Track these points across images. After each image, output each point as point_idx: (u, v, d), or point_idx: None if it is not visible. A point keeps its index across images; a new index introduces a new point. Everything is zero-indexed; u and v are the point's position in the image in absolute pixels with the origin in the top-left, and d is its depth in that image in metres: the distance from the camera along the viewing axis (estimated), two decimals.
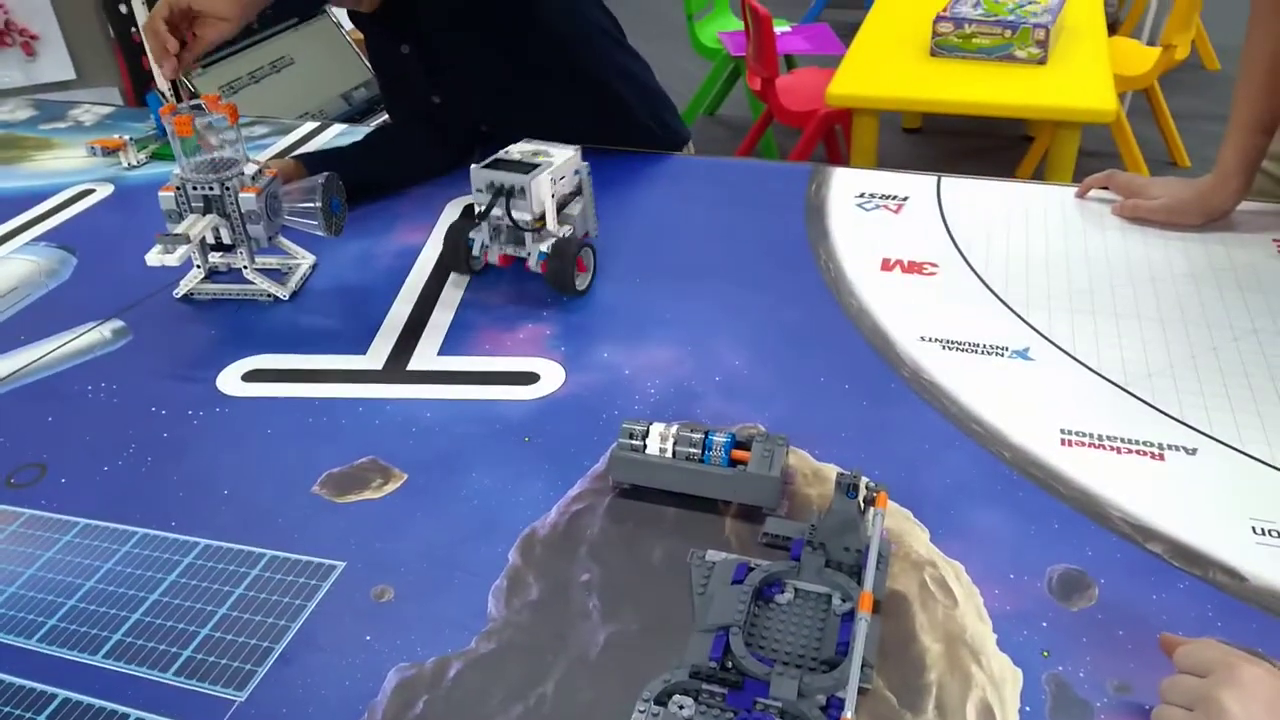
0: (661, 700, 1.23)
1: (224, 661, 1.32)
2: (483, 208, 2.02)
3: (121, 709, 1.27)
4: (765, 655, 1.28)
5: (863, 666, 1.21)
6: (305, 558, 1.49)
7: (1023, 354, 1.85)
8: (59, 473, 1.69)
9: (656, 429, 1.58)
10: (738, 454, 1.56)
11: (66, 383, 1.92)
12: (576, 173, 2.13)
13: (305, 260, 2.26)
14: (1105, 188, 2.35)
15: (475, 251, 2.09)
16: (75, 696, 1.29)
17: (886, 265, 2.15)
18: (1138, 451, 1.60)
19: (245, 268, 2.15)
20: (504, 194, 1.99)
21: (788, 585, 1.38)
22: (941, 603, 1.36)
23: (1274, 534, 1.43)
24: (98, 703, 1.28)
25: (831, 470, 1.60)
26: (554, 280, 2.06)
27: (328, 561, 1.48)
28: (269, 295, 2.15)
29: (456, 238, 2.10)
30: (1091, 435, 1.63)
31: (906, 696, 1.23)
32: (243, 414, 1.81)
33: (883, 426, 1.70)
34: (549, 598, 1.41)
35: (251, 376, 1.91)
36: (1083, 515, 1.49)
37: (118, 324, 2.11)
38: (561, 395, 1.83)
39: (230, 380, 1.90)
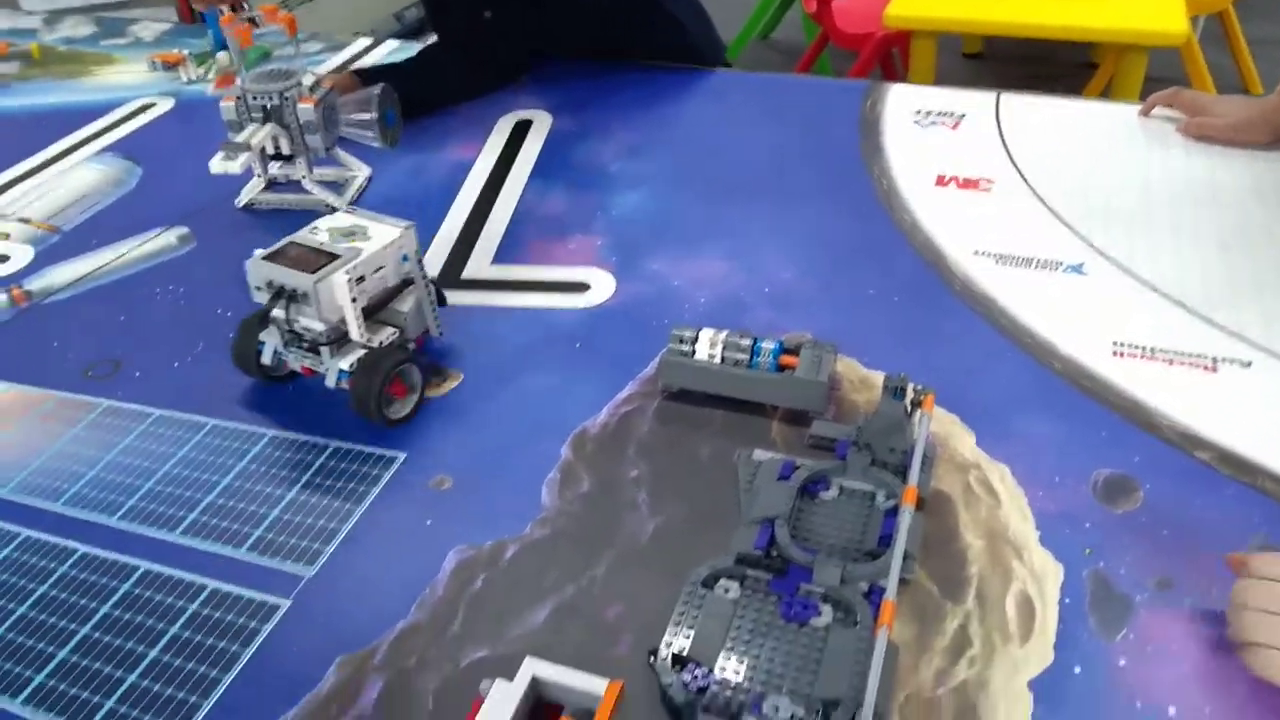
0: (708, 584, 1.28)
1: (293, 541, 1.39)
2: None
3: (200, 580, 1.35)
4: (809, 546, 1.32)
5: (905, 558, 1.25)
6: (367, 449, 1.55)
7: (1077, 269, 1.83)
8: (133, 367, 1.76)
9: (706, 334, 1.61)
10: (786, 360, 1.58)
11: (137, 285, 2.00)
12: (405, 258, 1.60)
13: (361, 172, 2.30)
14: (1170, 105, 2.30)
15: (267, 359, 1.61)
16: (156, 568, 1.37)
17: (941, 181, 2.14)
18: (1190, 364, 1.59)
19: (304, 178, 2.20)
20: (285, 297, 1.50)
21: (833, 482, 1.41)
22: (985, 502, 1.38)
23: None
24: (177, 573, 1.36)
25: (879, 377, 1.61)
26: (356, 406, 1.54)
27: (389, 453, 1.54)
28: (326, 205, 2.19)
29: (246, 337, 1.62)
30: (1144, 348, 1.63)
31: (947, 587, 1.27)
32: None
33: (932, 337, 1.71)
34: (600, 491, 1.46)
35: None
36: (1131, 423, 1.49)
37: (183, 230, 2.17)
38: (612, 304, 1.86)
39: None
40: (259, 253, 1.53)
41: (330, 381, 1.56)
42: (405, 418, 1.59)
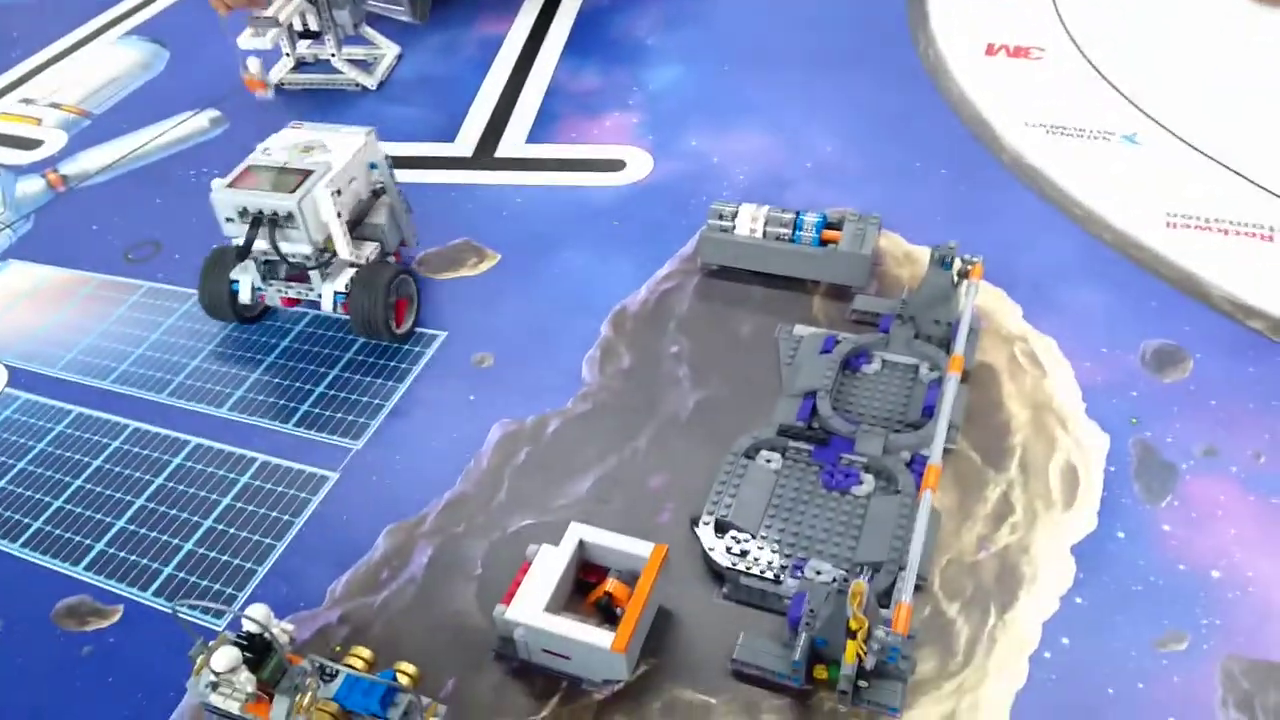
0: (750, 454, 1.28)
1: (339, 416, 1.41)
2: (239, 241, 1.42)
3: (249, 453, 1.37)
4: (852, 418, 1.32)
5: (948, 427, 1.24)
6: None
7: (1131, 138, 1.76)
8: (172, 249, 1.77)
9: (747, 210, 1.58)
10: (828, 234, 1.55)
11: (171, 168, 1.98)
12: (373, 165, 1.50)
13: (390, 50, 2.24)
14: None
15: (245, 298, 1.50)
16: (205, 442, 1.40)
17: (991, 50, 2.05)
18: (1246, 233, 1.54)
19: (333, 56, 2.15)
20: (265, 224, 1.39)
21: (875, 356, 1.40)
22: (1030, 373, 1.37)
23: None
24: (227, 448, 1.39)
25: (923, 252, 1.58)
26: (363, 326, 1.47)
27: (430, 331, 1.54)
28: (357, 84, 2.15)
29: (214, 278, 1.51)
30: (1198, 217, 1.57)
31: (991, 456, 1.26)
32: None
33: (979, 210, 1.67)
34: (640, 366, 1.46)
35: None
36: (1183, 294, 1.46)
37: (214, 113, 2.14)
38: (649, 182, 1.83)
39: None
40: (218, 182, 1.42)
41: (327, 306, 1.48)
42: (410, 331, 1.54)
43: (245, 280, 1.51)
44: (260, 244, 1.40)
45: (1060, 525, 1.18)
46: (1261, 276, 1.46)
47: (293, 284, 1.49)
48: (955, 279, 1.38)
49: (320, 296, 1.48)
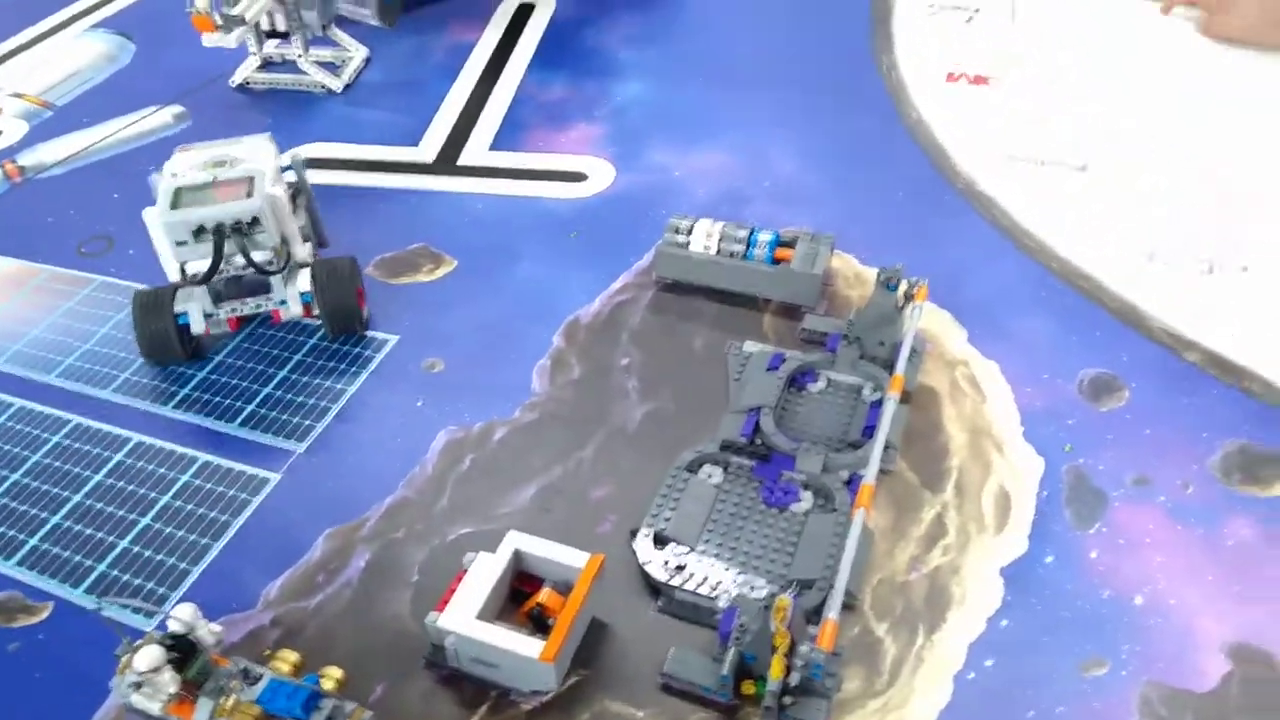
0: (692, 468, 1.29)
1: (284, 417, 1.41)
2: (195, 268, 1.40)
3: (191, 452, 1.37)
4: (794, 436, 1.33)
5: (886, 448, 1.26)
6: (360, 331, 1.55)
7: (1081, 169, 1.80)
8: (126, 244, 1.75)
9: (702, 225, 1.59)
10: (781, 252, 1.56)
11: (131, 162, 1.97)
12: (286, 168, 1.52)
13: (358, 53, 2.24)
14: (1191, 4, 2.22)
15: (199, 327, 1.45)
16: (148, 440, 1.39)
17: (952, 77, 2.08)
18: (1187, 267, 1.57)
19: (299, 57, 2.15)
20: (228, 234, 1.37)
21: (821, 375, 1.42)
22: (971, 397, 1.39)
23: None
24: (169, 445, 1.38)
25: (874, 273, 1.60)
26: (338, 320, 1.49)
27: (381, 335, 1.54)
28: (322, 86, 2.15)
29: (157, 322, 1.44)
30: (1143, 249, 1.61)
31: (928, 478, 1.28)
32: None
33: (932, 235, 1.69)
34: (590, 377, 1.47)
35: (307, 164, 1.94)
36: (1123, 324, 1.48)
37: (177, 109, 2.13)
38: (610, 194, 1.84)
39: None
40: (153, 211, 1.39)
41: (295, 309, 1.47)
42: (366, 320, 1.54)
43: (194, 309, 1.45)
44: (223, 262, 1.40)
45: (991, 548, 1.20)
46: (1199, 309, 1.49)
47: (246, 300, 1.47)
48: (901, 301, 1.40)
49: (284, 303, 1.47)
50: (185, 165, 1.43)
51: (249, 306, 1.47)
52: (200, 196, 1.38)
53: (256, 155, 1.45)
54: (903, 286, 1.39)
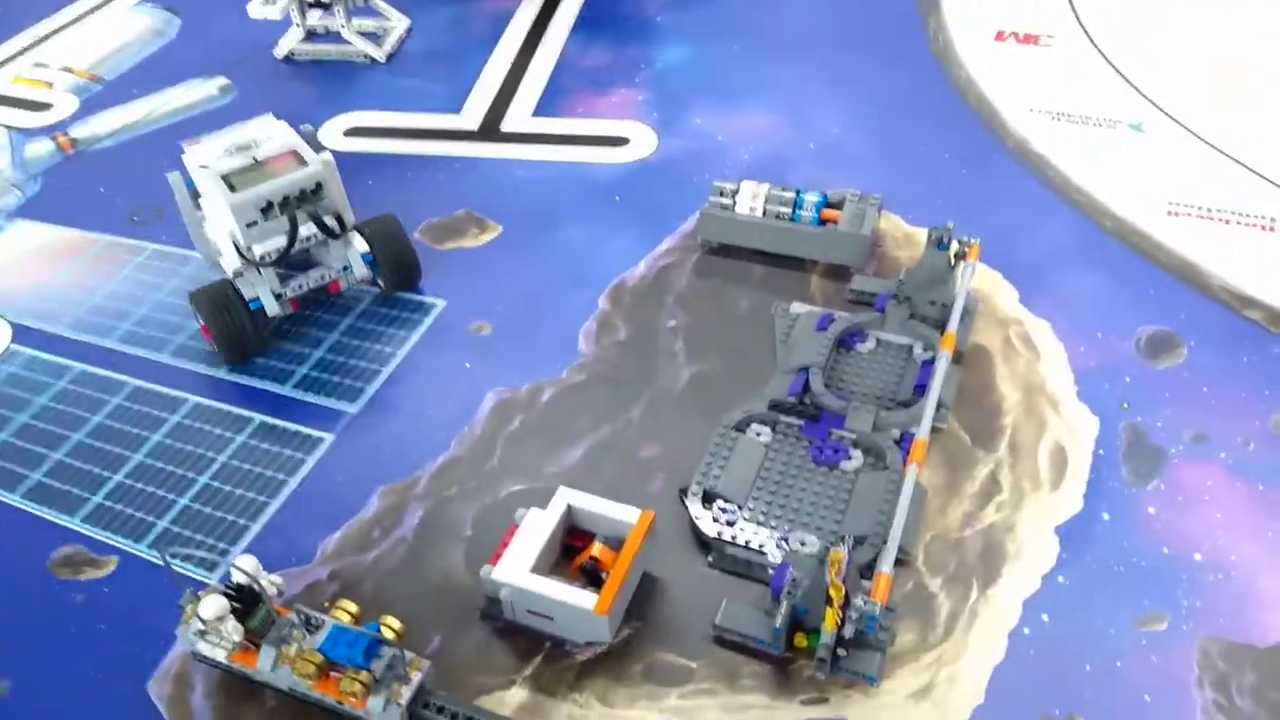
0: (740, 427, 1.29)
1: (336, 379, 1.43)
2: (266, 248, 1.38)
3: (246, 413, 1.39)
4: (844, 395, 1.33)
5: (938, 407, 1.25)
6: (408, 295, 1.56)
7: (1136, 127, 1.76)
8: (176, 214, 1.75)
9: (748, 187, 1.58)
10: (828, 214, 1.55)
11: (178, 134, 1.98)
12: (299, 132, 1.49)
13: (400, 23, 2.25)
14: None
15: (274, 309, 1.44)
16: (205, 402, 1.41)
17: (1000, 36, 2.04)
18: (1247, 223, 1.54)
19: (342, 28, 2.15)
20: (298, 204, 1.38)
21: (870, 335, 1.41)
22: (1024, 356, 1.37)
23: None
24: (224, 407, 1.40)
25: (922, 235, 1.57)
26: (401, 274, 1.53)
27: (429, 299, 1.55)
28: (365, 56, 2.16)
29: (230, 319, 1.41)
30: (1200, 206, 1.57)
31: (981, 437, 1.27)
32: (344, 166, 1.82)
33: (981, 195, 1.67)
34: (636, 340, 1.47)
35: (352, 132, 1.95)
36: (1181, 282, 1.46)
37: (223, 81, 2.15)
38: (652, 159, 1.83)
39: (331, 135, 1.94)
40: (212, 201, 1.39)
41: (360, 270, 1.48)
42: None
43: (264, 292, 1.44)
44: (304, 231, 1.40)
45: (1046, 506, 1.18)
46: (1261, 267, 1.46)
47: (309, 274, 1.47)
48: (951, 260, 1.38)
49: (347, 268, 1.48)
50: (208, 156, 1.42)
51: (313, 280, 1.48)
52: (253, 176, 1.38)
53: (275, 132, 1.45)
54: (953, 246, 1.37)
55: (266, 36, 2.22)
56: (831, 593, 0.97)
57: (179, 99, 2.10)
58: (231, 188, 1.36)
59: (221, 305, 1.41)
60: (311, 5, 2.15)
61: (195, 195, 1.49)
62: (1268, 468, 1.21)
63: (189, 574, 1.19)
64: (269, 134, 1.45)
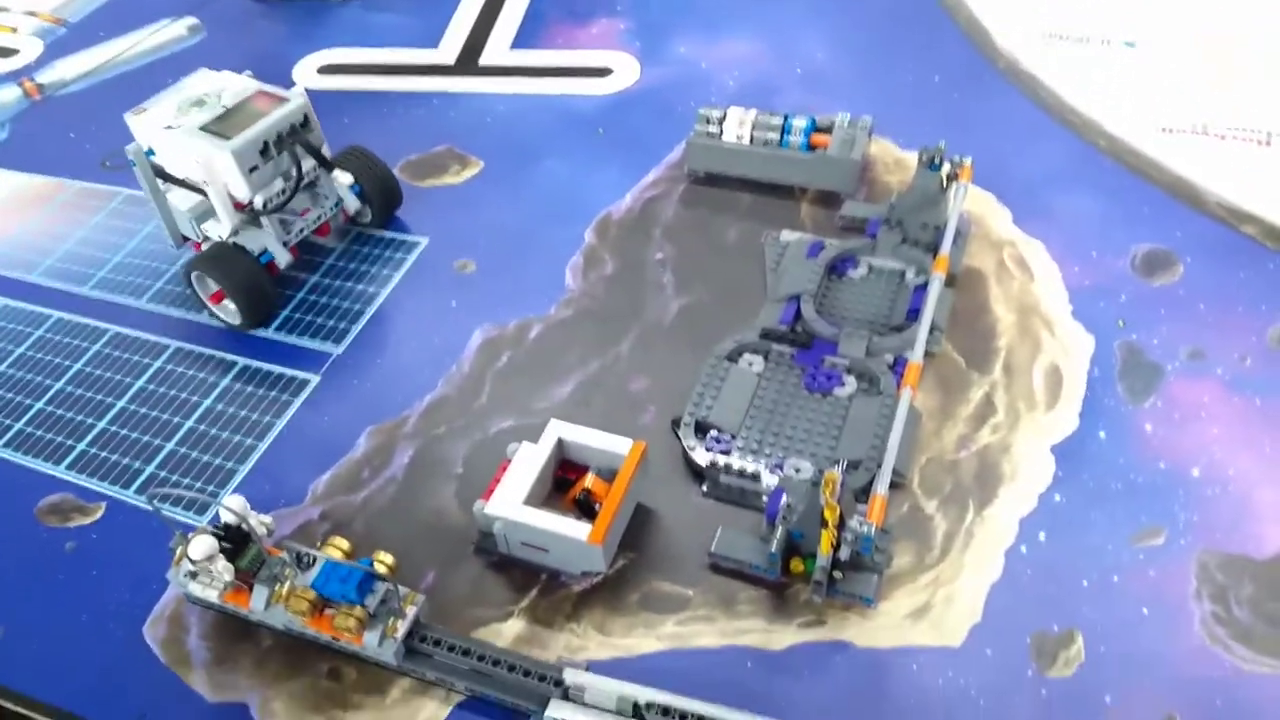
0: (732, 357, 1.27)
1: (319, 320, 1.40)
2: (267, 194, 1.31)
3: (230, 357, 1.36)
4: (836, 322, 1.31)
5: (931, 330, 1.23)
6: (390, 234, 1.53)
7: (1129, 43, 1.72)
8: None
9: (734, 114, 1.54)
10: (817, 139, 1.52)
11: (149, 76, 1.94)
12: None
13: None
14: None
15: (284, 259, 1.39)
16: (186, 345, 1.38)
17: None
18: (1243, 138, 1.51)
19: None
20: (291, 141, 1.33)
21: (862, 261, 1.38)
22: (1018, 278, 1.35)
23: None
24: (207, 351, 1.37)
25: (914, 158, 1.54)
26: (388, 199, 1.51)
27: (411, 238, 1.52)
28: None
29: (254, 277, 1.35)
30: (1195, 123, 1.54)
31: (975, 359, 1.25)
32: (320, 104, 1.77)
33: (973, 117, 1.63)
34: (624, 273, 1.44)
35: (327, 70, 1.90)
36: (1176, 199, 1.43)
37: (192, 21, 2.09)
38: (636, 89, 1.79)
39: (306, 73, 1.89)
40: (222, 142, 1.27)
41: (351, 205, 1.45)
42: None
43: (272, 243, 1.38)
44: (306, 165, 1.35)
45: (1042, 425, 1.17)
46: (1256, 182, 1.44)
47: (307, 215, 1.42)
48: (944, 182, 1.35)
49: (339, 201, 1.45)
50: (162, 119, 1.34)
51: (310, 222, 1.43)
52: (237, 122, 1.31)
53: (225, 82, 1.38)
54: (945, 167, 1.34)
55: None
56: (826, 514, 0.96)
57: (147, 41, 2.04)
58: (224, 137, 1.29)
59: (234, 266, 1.34)
60: None
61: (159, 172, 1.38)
62: (1264, 382, 1.20)
63: (179, 517, 1.17)
64: (219, 86, 1.37)
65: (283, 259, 1.39)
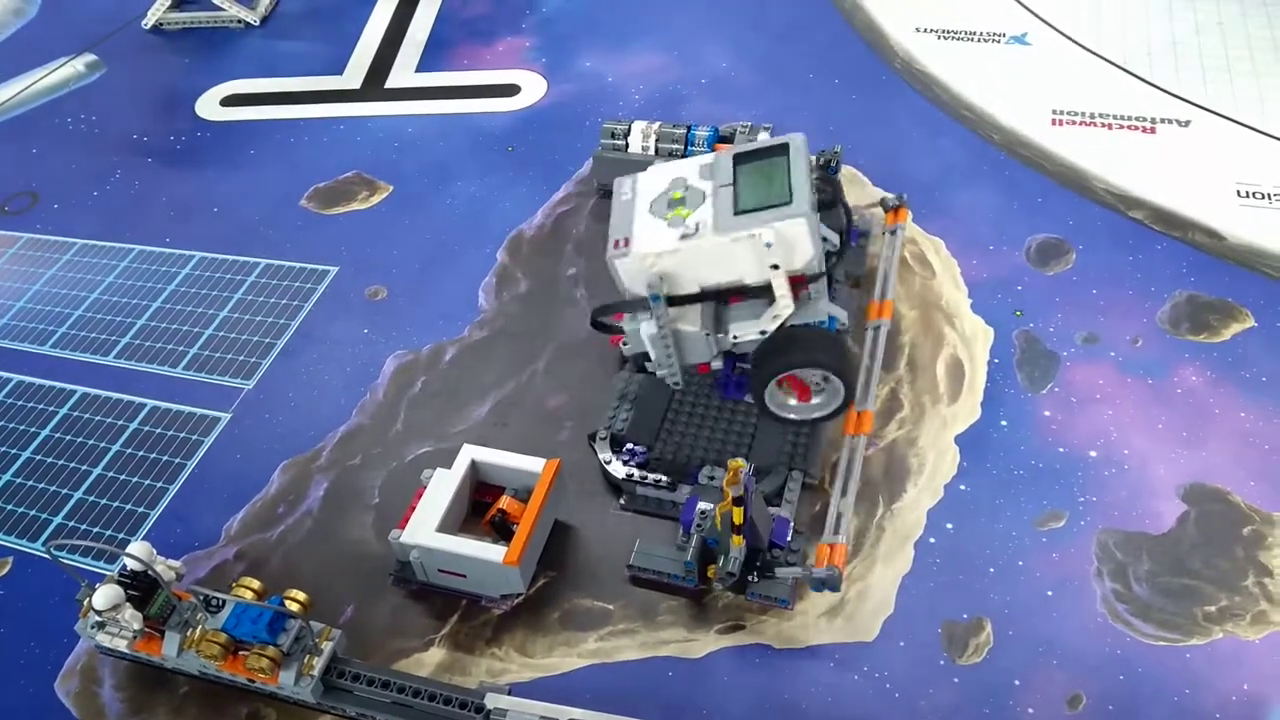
0: (646, 369, 1.28)
1: (229, 356, 1.38)
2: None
3: (138, 399, 1.34)
4: None
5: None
6: (299, 264, 1.52)
7: (1020, 39, 1.77)
8: (51, 199, 1.70)
9: (638, 127, 1.55)
10: (720, 147, 1.53)
11: (46, 116, 1.90)
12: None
13: None
14: None
15: (849, 323, 1.12)
16: (93, 391, 1.36)
17: None
18: (1129, 126, 1.57)
19: None
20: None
21: None
22: (919, 274, 1.38)
23: (1258, 196, 1.43)
24: (114, 395, 1.35)
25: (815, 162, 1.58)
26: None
27: (321, 267, 1.51)
28: (239, 21, 2.07)
29: (841, 343, 1.08)
30: (1084, 113, 1.60)
31: (880, 357, 1.28)
32: (225, 137, 1.79)
33: (871, 117, 1.67)
34: (538, 290, 1.45)
35: (230, 101, 1.88)
36: (1068, 189, 1.48)
37: (90, 58, 2.05)
38: (543, 105, 1.80)
39: (209, 105, 1.87)
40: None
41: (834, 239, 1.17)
42: None
43: (824, 305, 1.09)
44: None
45: (946, 418, 1.20)
46: (1143, 168, 1.49)
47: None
48: (841, 185, 1.37)
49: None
50: (660, 235, 1.04)
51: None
52: (753, 191, 1.05)
53: (673, 169, 1.11)
54: (882, 196, 1.37)
55: (134, 7, 2.12)
56: (727, 505, 0.96)
57: (44, 80, 2.00)
58: (773, 207, 1.00)
59: (829, 343, 1.06)
60: None
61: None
62: (1155, 362, 1.24)
63: (87, 568, 1.15)
64: (668, 173, 1.10)
65: (842, 315, 1.09)
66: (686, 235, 1.03)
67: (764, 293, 1.05)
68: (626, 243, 1.05)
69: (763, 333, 1.07)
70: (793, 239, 1.00)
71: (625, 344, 1.14)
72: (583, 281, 1.45)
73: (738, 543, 0.99)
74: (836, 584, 1.00)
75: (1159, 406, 1.19)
